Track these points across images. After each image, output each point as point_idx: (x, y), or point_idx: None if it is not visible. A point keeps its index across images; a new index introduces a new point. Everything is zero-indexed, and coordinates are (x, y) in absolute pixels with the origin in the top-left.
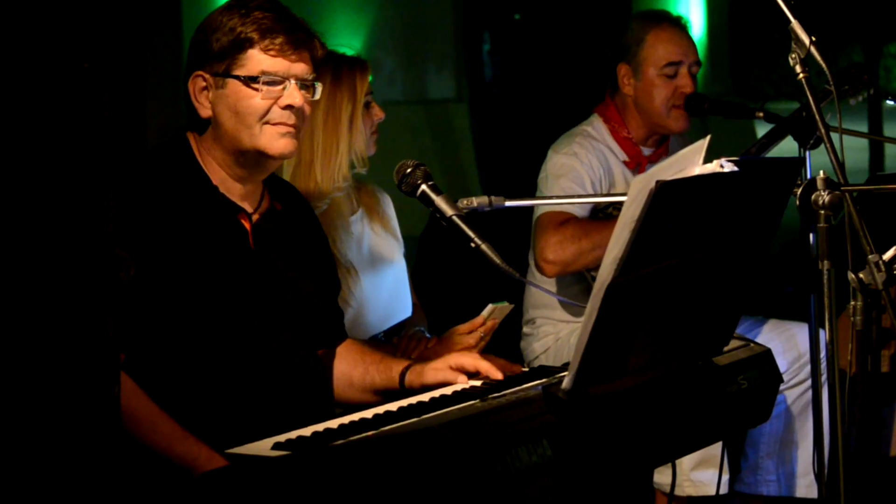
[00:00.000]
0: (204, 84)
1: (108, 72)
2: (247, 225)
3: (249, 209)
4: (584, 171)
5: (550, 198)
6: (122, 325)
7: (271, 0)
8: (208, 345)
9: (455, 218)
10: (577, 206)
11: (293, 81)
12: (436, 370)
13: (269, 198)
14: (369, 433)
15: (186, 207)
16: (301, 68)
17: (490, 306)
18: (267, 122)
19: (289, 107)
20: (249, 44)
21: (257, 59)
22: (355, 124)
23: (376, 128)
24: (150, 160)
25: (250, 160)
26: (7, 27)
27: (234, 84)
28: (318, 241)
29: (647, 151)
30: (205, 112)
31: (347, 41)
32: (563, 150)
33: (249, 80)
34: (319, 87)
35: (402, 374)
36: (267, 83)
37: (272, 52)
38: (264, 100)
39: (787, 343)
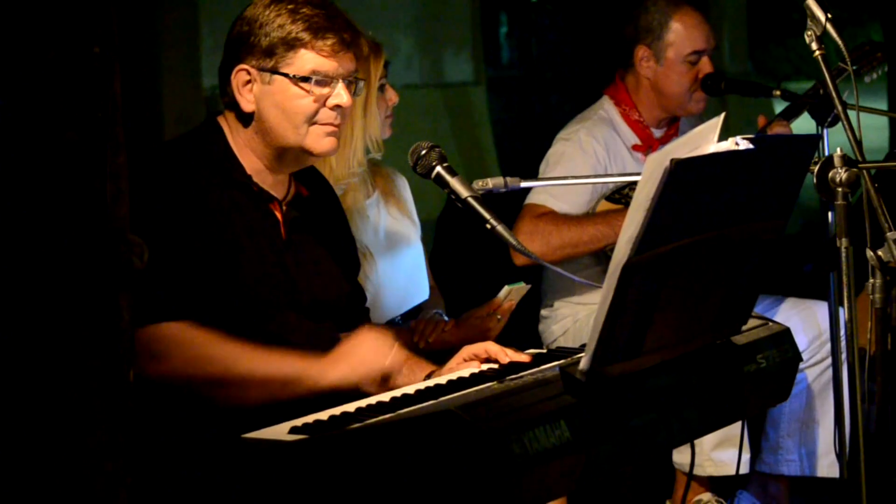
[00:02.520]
0: (248, 78)
1: (120, 56)
2: (278, 214)
3: (280, 197)
4: (583, 159)
5: (565, 178)
6: (175, 294)
7: None
8: (236, 331)
9: (470, 199)
10: (565, 201)
11: (341, 81)
12: (451, 370)
13: (295, 183)
14: (386, 416)
15: (220, 195)
16: (349, 68)
17: (506, 287)
18: (314, 123)
19: (336, 107)
20: (300, 43)
21: (308, 59)
22: (370, 109)
23: (391, 111)
24: (182, 146)
25: (292, 157)
26: (15, 11)
27: (282, 81)
28: (341, 223)
29: (657, 133)
30: (248, 106)
31: (364, 24)
32: (566, 137)
33: (300, 80)
34: (362, 84)
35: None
36: (317, 83)
37: (323, 53)
38: (313, 100)
39: (807, 322)
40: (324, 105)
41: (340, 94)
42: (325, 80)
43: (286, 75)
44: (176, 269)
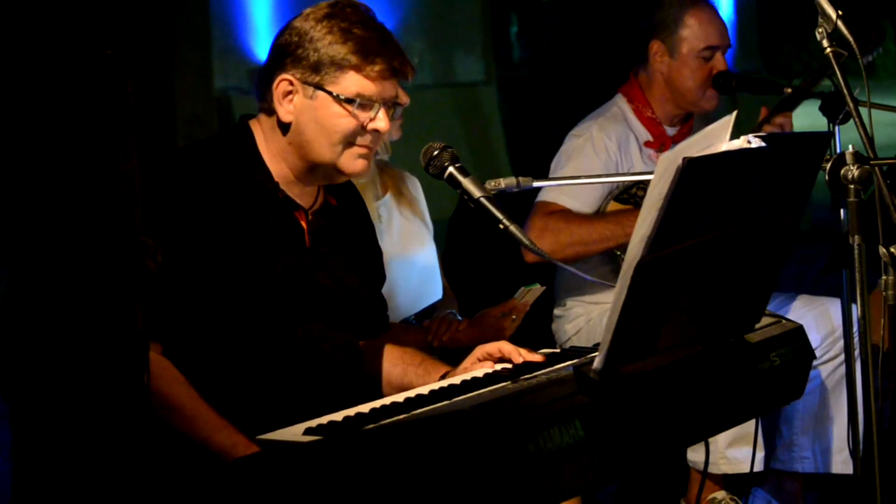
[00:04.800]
0: (290, 88)
1: (133, 59)
2: (303, 223)
3: (306, 206)
4: (595, 155)
5: (578, 177)
6: (154, 313)
7: (367, 13)
8: (257, 337)
9: (483, 199)
10: (576, 199)
11: (382, 106)
12: (465, 369)
13: (324, 193)
14: (401, 416)
15: (245, 202)
16: (391, 93)
17: (522, 289)
18: (351, 144)
19: (374, 131)
20: (349, 64)
21: (354, 81)
22: None
23: (401, 114)
24: (210, 149)
25: (322, 173)
26: (28, 14)
27: (325, 98)
28: (368, 234)
29: (671, 131)
30: (287, 117)
31: None
32: (578, 134)
33: (343, 101)
34: (400, 110)
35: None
36: (360, 106)
37: (370, 77)
38: (354, 122)
39: (820, 319)
40: (363, 128)
41: (381, 120)
42: (368, 104)
43: (330, 93)
44: (176, 283)
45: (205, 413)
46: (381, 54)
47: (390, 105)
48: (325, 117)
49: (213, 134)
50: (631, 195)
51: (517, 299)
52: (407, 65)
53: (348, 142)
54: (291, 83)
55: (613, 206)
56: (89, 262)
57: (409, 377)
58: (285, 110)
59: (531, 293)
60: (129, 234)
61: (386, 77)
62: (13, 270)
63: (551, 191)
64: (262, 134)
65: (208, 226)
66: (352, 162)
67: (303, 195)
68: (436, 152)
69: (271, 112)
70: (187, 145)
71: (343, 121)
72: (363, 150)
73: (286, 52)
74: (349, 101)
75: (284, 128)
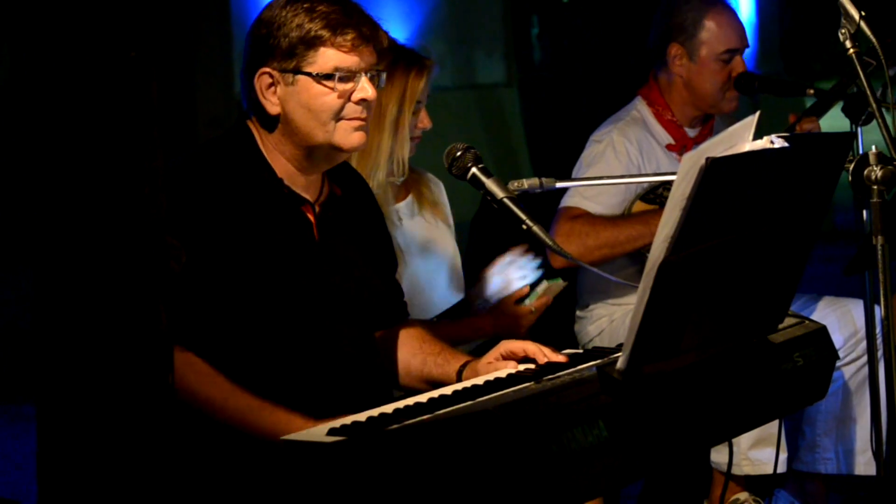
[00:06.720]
0: (271, 81)
1: (156, 61)
2: (311, 216)
3: (312, 199)
4: (616, 160)
5: (601, 178)
6: (176, 313)
7: None
8: (270, 336)
9: (506, 200)
10: (598, 203)
11: (364, 75)
12: (488, 364)
13: (328, 183)
14: (424, 417)
15: (251, 199)
16: (370, 61)
17: (545, 283)
18: (341, 119)
19: (362, 100)
20: (320, 41)
21: (329, 56)
22: (400, 133)
23: (420, 135)
24: (213, 150)
25: (322, 155)
26: (53, 17)
27: (305, 81)
28: (377, 221)
29: (692, 133)
30: (274, 109)
31: (397, 27)
32: (599, 139)
33: (323, 78)
34: (384, 76)
35: (460, 372)
36: (340, 79)
37: (344, 49)
38: (338, 96)
39: (843, 319)
40: (349, 100)
41: (365, 88)
42: (349, 76)
43: (309, 74)
44: (196, 285)
45: (237, 400)
46: (349, 24)
47: (374, 73)
48: (310, 99)
49: (215, 136)
50: (657, 195)
51: (540, 293)
52: (378, 30)
53: (338, 117)
54: (271, 75)
55: (639, 206)
56: (115, 262)
57: (428, 367)
58: (271, 103)
59: (552, 287)
60: (154, 235)
61: (359, 45)
62: (39, 271)
63: (574, 196)
64: (257, 132)
65: (222, 226)
66: (347, 136)
67: (308, 188)
68: (459, 153)
69: (258, 110)
70: (194, 147)
71: (327, 98)
72: (356, 123)
73: (259, 45)
74: (328, 76)
75: (273, 122)
